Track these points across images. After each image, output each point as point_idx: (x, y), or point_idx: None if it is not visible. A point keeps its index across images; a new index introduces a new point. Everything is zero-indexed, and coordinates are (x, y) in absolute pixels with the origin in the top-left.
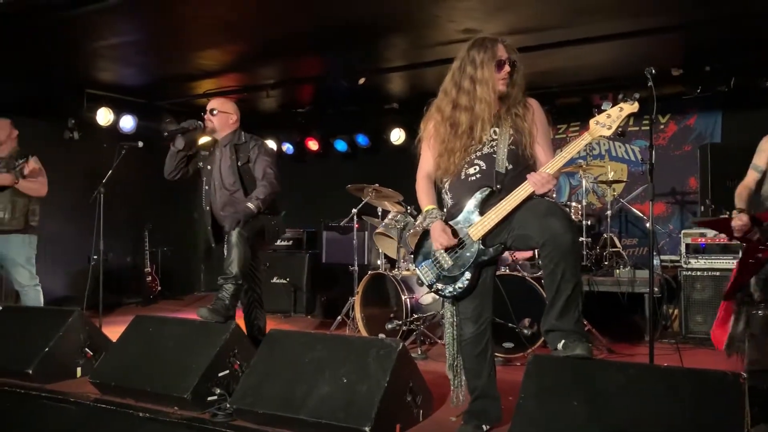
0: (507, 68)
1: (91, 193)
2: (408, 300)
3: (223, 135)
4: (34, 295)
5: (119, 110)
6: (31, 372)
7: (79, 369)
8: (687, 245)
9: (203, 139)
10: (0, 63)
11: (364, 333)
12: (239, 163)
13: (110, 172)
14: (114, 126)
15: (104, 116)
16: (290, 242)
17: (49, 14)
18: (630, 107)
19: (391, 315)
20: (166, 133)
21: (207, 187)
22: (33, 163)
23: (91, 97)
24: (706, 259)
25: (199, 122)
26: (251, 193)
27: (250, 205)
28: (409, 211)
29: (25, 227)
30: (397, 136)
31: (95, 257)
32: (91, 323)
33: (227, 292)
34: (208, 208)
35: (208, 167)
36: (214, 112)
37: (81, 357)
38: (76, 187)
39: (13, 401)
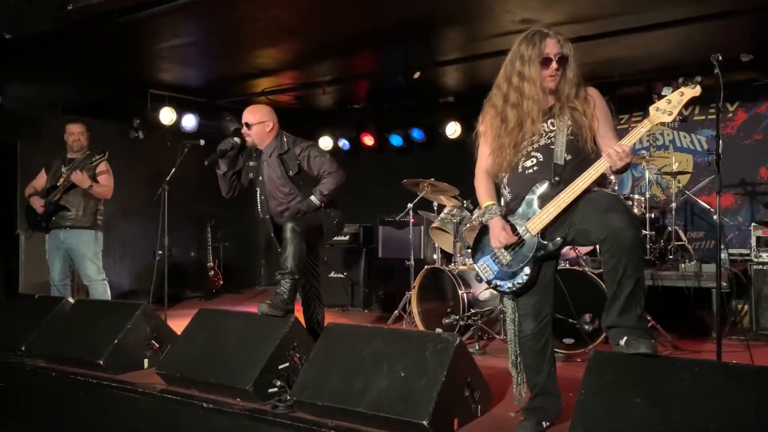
0: (554, 65)
1: (156, 190)
2: (465, 295)
3: (265, 145)
4: (101, 289)
5: (181, 110)
6: (102, 363)
7: (146, 360)
8: (758, 238)
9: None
10: (70, 68)
11: (420, 327)
12: (290, 174)
13: (174, 170)
14: (176, 125)
15: (167, 116)
16: (347, 237)
17: (113, 19)
18: (691, 91)
19: (448, 310)
20: (207, 162)
21: (263, 197)
22: (105, 164)
23: (154, 97)
24: None
25: (235, 139)
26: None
27: (313, 198)
28: (465, 205)
29: (93, 224)
30: (453, 129)
31: (160, 252)
32: (157, 316)
33: (285, 287)
34: (267, 216)
35: (260, 178)
36: (249, 125)
37: (148, 349)
38: (141, 185)
39: (86, 390)
